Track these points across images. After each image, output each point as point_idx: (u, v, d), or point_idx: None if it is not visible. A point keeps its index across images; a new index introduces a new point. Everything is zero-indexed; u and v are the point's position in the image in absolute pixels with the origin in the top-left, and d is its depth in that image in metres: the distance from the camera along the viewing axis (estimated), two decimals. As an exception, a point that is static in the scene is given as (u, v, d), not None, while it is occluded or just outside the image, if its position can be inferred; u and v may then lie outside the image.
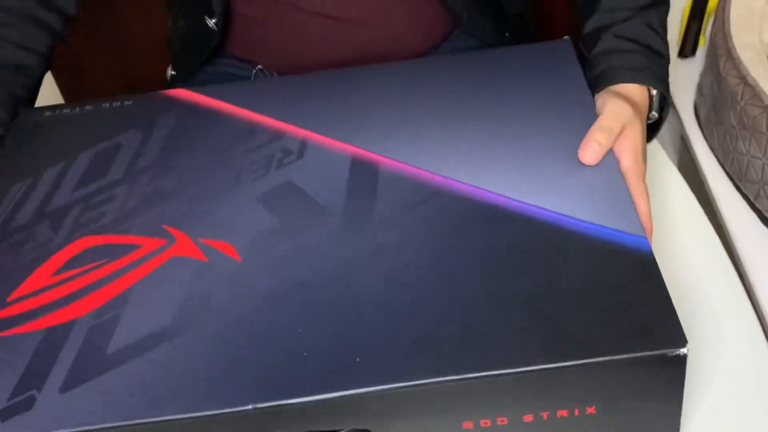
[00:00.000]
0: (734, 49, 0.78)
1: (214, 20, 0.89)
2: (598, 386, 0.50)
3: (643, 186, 0.63)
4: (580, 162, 0.61)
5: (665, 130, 0.94)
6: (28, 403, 0.51)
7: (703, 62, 0.89)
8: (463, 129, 0.67)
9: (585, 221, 0.57)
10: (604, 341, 0.50)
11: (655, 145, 0.78)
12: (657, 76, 0.70)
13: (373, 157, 0.66)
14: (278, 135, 0.70)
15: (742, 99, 0.74)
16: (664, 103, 0.72)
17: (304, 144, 0.68)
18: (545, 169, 0.62)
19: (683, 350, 0.49)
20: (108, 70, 1.27)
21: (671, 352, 0.49)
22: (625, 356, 0.49)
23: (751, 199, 0.76)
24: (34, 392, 0.51)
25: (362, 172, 0.64)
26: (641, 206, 0.61)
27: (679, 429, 0.54)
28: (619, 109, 0.65)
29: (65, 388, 0.51)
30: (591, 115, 0.65)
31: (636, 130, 0.65)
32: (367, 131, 0.68)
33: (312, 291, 0.56)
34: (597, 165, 0.61)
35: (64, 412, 0.50)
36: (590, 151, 0.60)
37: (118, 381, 0.52)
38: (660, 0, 0.74)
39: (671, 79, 0.90)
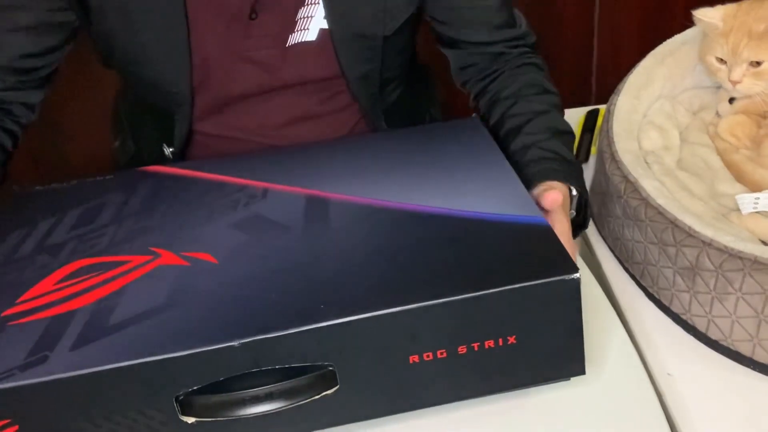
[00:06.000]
0: (617, 153, 0.91)
1: (171, 149, 0.97)
2: (516, 313, 0.62)
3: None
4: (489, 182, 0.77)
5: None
6: (42, 359, 0.59)
7: (594, 167, 1.04)
8: (396, 171, 0.82)
9: (496, 213, 0.71)
10: (517, 274, 0.62)
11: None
12: (572, 176, 0.85)
13: (325, 194, 0.78)
14: (243, 187, 0.81)
15: (624, 193, 0.87)
16: (586, 205, 0.87)
17: (265, 191, 0.80)
18: (463, 187, 0.77)
19: (576, 275, 0.62)
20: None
21: (567, 277, 0.62)
22: (533, 282, 0.62)
23: (637, 278, 0.88)
24: (46, 353, 0.60)
25: (317, 203, 0.76)
26: None
27: (583, 357, 0.66)
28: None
29: (74, 347, 0.60)
30: (497, 162, 0.81)
31: (564, 221, 0.78)
32: (319, 179, 0.81)
33: (281, 275, 0.66)
34: (501, 182, 0.77)
35: (73, 362, 0.59)
36: None
37: (120, 340, 0.60)
38: (568, 131, 0.91)
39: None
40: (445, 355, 0.63)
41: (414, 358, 0.62)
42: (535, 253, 0.66)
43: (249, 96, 0.94)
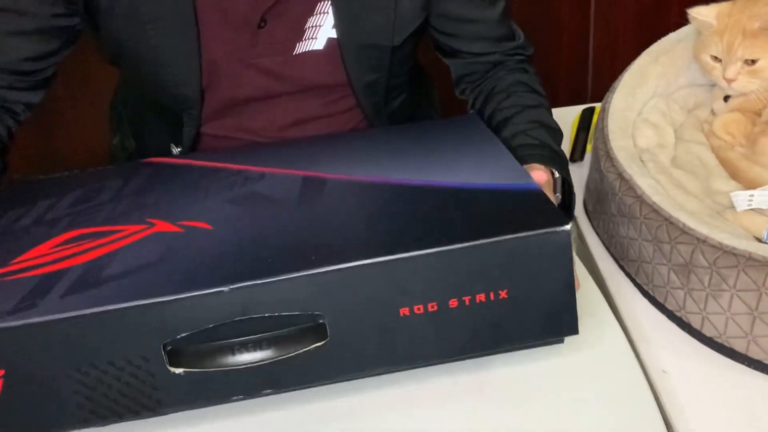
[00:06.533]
0: (612, 151, 0.91)
1: (179, 149, 0.98)
2: (507, 266, 0.62)
3: None
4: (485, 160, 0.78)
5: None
6: (31, 306, 0.59)
7: (589, 165, 1.04)
8: (395, 154, 0.83)
9: (491, 182, 0.72)
10: (507, 227, 0.63)
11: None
12: (555, 162, 0.86)
13: (322, 175, 0.78)
14: (241, 171, 0.82)
15: (619, 191, 0.87)
16: (571, 192, 0.88)
17: (262, 174, 0.81)
18: (460, 164, 0.78)
19: (566, 227, 0.62)
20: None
21: (558, 229, 0.63)
22: (523, 234, 0.62)
23: (632, 275, 0.88)
24: (36, 300, 0.60)
25: (313, 182, 0.77)
26: None
27: (576, 315, 0.66)
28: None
29: (64, 295, 0.60)
30: (493, 145, 0.83)
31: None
32: (316, 163, 0.82)
33: (274, 235, 0.67)
34: (496, 159, 0.79)
35: (61, 306, 0.59)
36: None
37: (110, 289, 0.60)
38: (556, 128, 0.93)
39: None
40: (435, 308, 0.62)
41: (404, 311, 0.62)
42: (526, 210, 0.66)
43: (255, 100, 0.95)
